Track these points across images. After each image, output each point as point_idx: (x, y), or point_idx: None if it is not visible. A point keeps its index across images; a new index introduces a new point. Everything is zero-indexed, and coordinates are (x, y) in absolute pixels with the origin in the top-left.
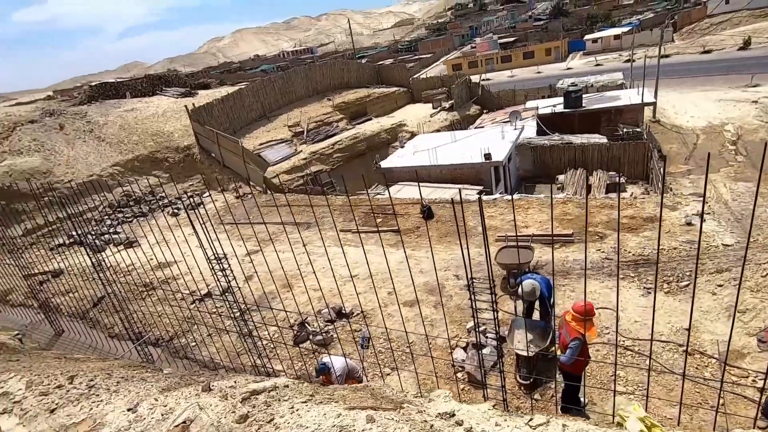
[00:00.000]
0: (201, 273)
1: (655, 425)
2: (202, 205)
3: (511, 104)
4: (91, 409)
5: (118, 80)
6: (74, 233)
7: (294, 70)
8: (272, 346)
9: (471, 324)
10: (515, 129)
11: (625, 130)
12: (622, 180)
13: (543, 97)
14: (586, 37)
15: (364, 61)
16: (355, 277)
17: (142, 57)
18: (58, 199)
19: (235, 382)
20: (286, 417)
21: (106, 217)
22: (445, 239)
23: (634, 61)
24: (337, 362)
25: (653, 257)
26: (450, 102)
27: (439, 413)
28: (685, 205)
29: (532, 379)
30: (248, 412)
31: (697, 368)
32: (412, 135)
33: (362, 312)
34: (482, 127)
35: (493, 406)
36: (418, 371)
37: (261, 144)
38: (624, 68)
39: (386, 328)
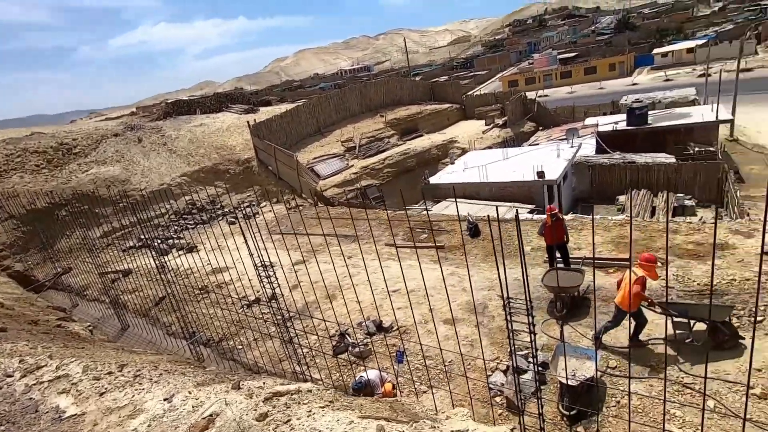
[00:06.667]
0: (250, 280)
1: None
2: (258, 215)
3: (569, 121)
4: (134, 396)
5: (191, 98)
6: (143, 237)
7: (349, 88)
8: (312, 354)
9: None
10: (572, 147)
11: (696, 149)
12: (691, 203)
13: (604, 114)
14: (655, 51)
15: (418, 78)
16: (396, 291)
17: (213, 76)
18: (132, 206)
19: (263, 382)
20: (302, 419)
21: (172, 223)
22: (491, 258)
23: (709, 75)
24: (371, 374)
25: (720, 288)
26: (503, 119)
27: (453, 431)
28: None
29: (575, 411)
30: (268, 411)
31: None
32: (463, 151)
33: (399, 327)
34: (537, 144)
35: (511, 430)
36: (454, 392)
37: (315, 158)
38: (697, 83)
39: (421, 345)
